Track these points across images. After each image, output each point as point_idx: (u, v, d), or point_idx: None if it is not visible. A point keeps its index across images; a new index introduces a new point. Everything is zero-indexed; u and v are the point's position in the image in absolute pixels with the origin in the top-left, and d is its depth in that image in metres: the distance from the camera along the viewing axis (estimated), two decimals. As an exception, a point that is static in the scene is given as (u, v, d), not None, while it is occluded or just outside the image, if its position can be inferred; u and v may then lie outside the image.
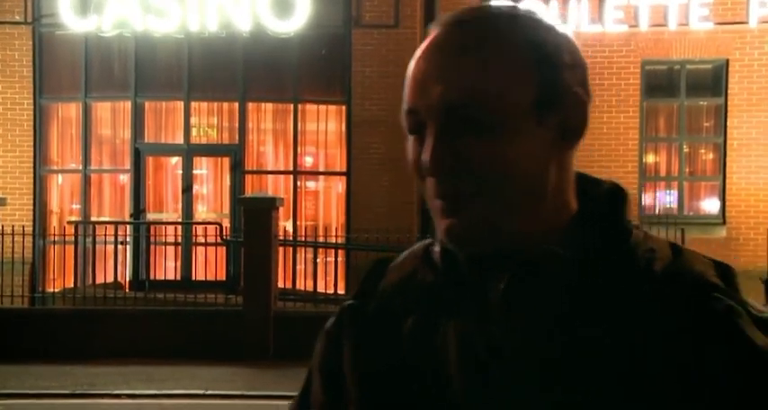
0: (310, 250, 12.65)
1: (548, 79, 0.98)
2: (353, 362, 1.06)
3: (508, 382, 0.95)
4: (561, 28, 1.03)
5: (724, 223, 13.66)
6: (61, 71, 14.25)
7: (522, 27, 0.99)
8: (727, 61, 13.58)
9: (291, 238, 13.19)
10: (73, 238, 12.77)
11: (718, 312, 0.94)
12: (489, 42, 0.98)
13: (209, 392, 9.16)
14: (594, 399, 0.92)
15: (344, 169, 13.95)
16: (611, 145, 13.67)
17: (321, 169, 14.57)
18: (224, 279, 12.99)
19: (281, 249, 11.85)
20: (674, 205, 13.97)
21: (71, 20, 13.61)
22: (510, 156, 0.96)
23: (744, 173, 13.56)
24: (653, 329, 0.93)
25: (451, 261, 1.03)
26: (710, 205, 14.05)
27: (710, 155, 14.14)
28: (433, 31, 1.01)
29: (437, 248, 1.05)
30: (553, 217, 1.00)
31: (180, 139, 14.08)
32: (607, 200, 1.03)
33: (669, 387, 0.91)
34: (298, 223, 13.90)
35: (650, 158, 14.22)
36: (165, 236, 13.00)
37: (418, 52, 1.02)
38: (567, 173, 1.01)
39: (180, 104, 14.01)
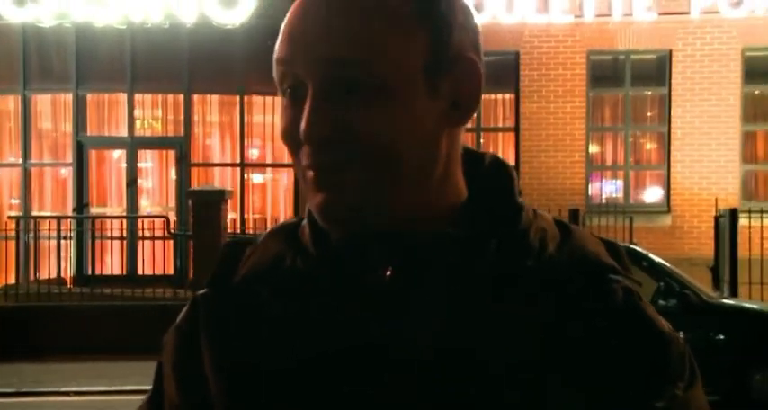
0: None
1: (439, 40, 0.88)
2: (216, 362, 0.94)
3: (397, 377, 0.86)
4: None
5: (669, 211, 13.85)
6: (-1, 63, 13.94)
7: None
8: (671, 51, 13.75)
9: (239, 231, 13.08)
10: (14, 234, 12.53)
11: (617, 295, 0.89)
12: None
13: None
14: (494, 388, 0.85)
15: (291, 161, 13.84)
16: (558, 135, 13.77)
17: (268, 161, 14.46)
18: (171, 273, 12.82)
19: (229, 242, 11.76)
20: (620, 194, 14.14)
21: (8, 10, 13.28)
22: (396, 127, 0.86)
23: (688, 162, 13.76)
24: (551, 314, 0.87)
25: (325, 245, 0.91)
26: (655, 194, 14.24)
27: (655, 145, 14.33)
28: None
29: (307, 230, 0.94)
30: (441, 196, 0.91)
31: (123, 132, 13.85)
32: (495, 177, 0.95)
33: (569, 372, 0.85)
34: (245, 216, 13.78)
35: (596, 148, 14.36)
36: (112, 230, 12.80)
37: (298, 1, 0.91)
38: (456, 149, 0.92)
39: (123, 96, 13.78)
